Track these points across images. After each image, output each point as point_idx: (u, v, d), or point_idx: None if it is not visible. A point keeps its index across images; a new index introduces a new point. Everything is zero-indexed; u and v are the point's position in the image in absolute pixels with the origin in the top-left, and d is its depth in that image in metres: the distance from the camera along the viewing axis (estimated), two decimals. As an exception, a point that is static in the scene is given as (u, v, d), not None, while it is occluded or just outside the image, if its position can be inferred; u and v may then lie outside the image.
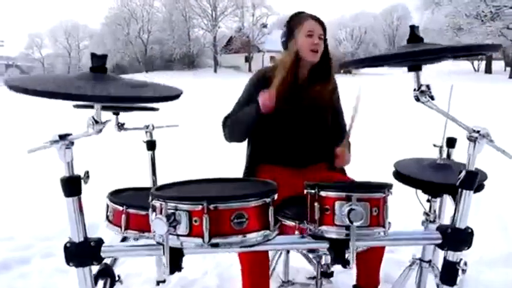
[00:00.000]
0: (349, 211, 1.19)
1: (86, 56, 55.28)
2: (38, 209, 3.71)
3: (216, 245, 1.16)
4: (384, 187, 1.28)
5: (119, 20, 48.43)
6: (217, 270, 2.66)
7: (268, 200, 1.23)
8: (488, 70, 34.15)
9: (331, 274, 2.11)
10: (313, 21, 2.03)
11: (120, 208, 1.89)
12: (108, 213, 1.99)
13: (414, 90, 1.19)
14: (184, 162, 5.29)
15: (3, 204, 3.93)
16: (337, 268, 2.58)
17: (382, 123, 8.95)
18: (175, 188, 1.37)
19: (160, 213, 1.18)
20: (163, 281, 2.46)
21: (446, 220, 1.84)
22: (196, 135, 7.53)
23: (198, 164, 5.38)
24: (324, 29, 2.07)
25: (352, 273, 2.14)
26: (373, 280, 2.08)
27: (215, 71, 46.15)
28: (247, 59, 45.68)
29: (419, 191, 1.82)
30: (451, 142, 2.03)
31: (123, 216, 1.87)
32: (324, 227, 1.26)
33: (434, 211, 1.86)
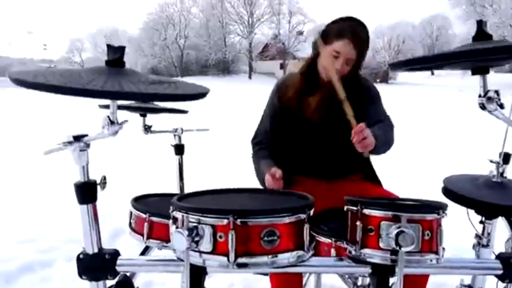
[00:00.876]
0: (398, 234, 1.02)
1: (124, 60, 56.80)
2: (62, 210, 3.66)
3: (243, 266, 1.01)
4: (439, 207, 1.10)
5: (157, 25, 49.32)
6: (244, 283, 2.53)
7: (303, 216, 1.08)
8: (532, 83, 32.93)
9: (367, 297, 1.93)
10: (347, 43, 1.76)
11: (143, 216, 1.77)
12: (131, 220, 1.89)
13: (480, 96, 1.02)
14: (213, 169, 5.18)
15: (27, 205, 3.92)
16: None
17: (426, 135, 8.59)
18: (200, 198, 1.24)
19: (182, 226, 1.05)
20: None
21: (497, 247, 1.65)
22: (227, 141, 7.40)
23: (227, 171, 5.24)
24: (360, 52, 1.80)
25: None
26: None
27: (250, 77, 46.33)
28: (282, 66, 45.61)
29: (472, 211, 1.63)
30: (506, 158, 1.83)
31: (146, 224, 1.76)
32: (367, 250, 1.10)
33: (488, 234, 1.66)
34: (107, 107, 2.00)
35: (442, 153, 6.42)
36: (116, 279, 1.42)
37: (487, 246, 1.65)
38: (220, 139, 7.14)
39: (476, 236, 1.68)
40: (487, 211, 1.59)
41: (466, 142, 7.18)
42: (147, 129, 2.15)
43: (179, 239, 1.00)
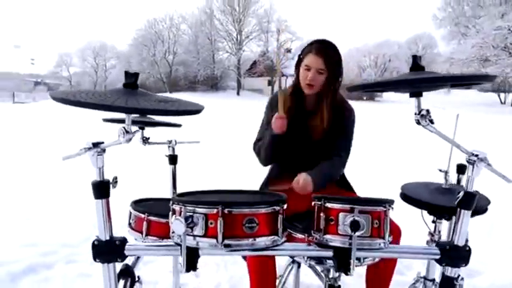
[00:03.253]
0: (352, 222, 1.30)
1: (112, 75, 56.78)
2: (62, 217, 3.90)
3: (228, 246, 1.27)
4: (385, 202, 1.38)
5: (146, 41, 49.63)
6: (231, 282, 2.77)
7: (277, 208, 1.35)
8: (515, 103, 33.76)
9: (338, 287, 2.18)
10: (313, 55, 2.08)
11: (142, 215, 2.03)
12: (131, 220, 2.14)
13: (415, 114, 1.30)
14: (203, 177, 5.46)
15: (29, 212, 4.14)
16: (346, 284, 2.67)
17: (388, 148, 9.05)
18: (194, 195, 1.50)
19: (180, 215, 1.30)
20: (179, 290, 2.57)
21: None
22: (216, 152, 7.75)
23: (216, 179, 5.54)
24: (327, 60, 2.07)
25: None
26: (382, 297, 2.15)
27: (238, 93, 46.74)
28: (270, 83, 46.11)
29: (425, 212, 1.92)
30: (460, 168, 2.11)
31: (145, 223, 2.02)
32: (328, 236, 1.37)
33: (439, 232, 1.95)
34: (110, 121, 2.27)
35: (402, 163, 6.95)
36: (120, 267, 1.67)
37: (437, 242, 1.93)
38: (209, 150, 7.46)
39: (429, 233, 1.97)
40: (437, 211, 1.88)
41: (425, 153, 7.65)
42: (145, 140, 2.40)
43: (178, 225, 1.26)
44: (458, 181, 2.11)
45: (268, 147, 2.17)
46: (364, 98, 40.65)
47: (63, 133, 11.44)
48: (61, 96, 1.08)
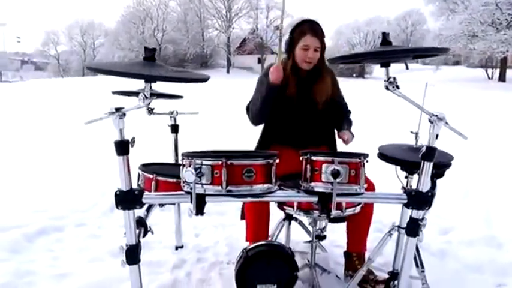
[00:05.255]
0: (332, 170, 1.58)
1: (100, 53, 56.19)
2: (71, 185, 4.17)
3: (230, 191, 1.55)
4: (361, 155, 1.66)
5: (134, 18, 49.05)
6: (227, 241, 3.05)
7: (271, 161, 1.62)
8: (502, 78, 34.11)
9: (324, 237, 2.46)
10: (310, 36, 2.36)
11: (151, 176, 2.29)
12: (140, 181, 2.40)
13: (384, 81, 1.57)
14: (202, 144, 5.74)
15: (39, 179, 4.44)
16: (332, 241, 2.98)
17: (368, 117, 9.43)
18: (201, 152, 1.77)
19: (190, 166, 1.57)
20: (181, 247, 2.86)
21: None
22: (213, 122, 8.19)
23: (214, 145, 5.85)
24: (321, 39, 2.40)
25: (344, 246, 2.54)
26: (361, 246, 2.47)
27: (228, 71, 46.66)
28: (260, 61, 46.09)
29: (398, 168, 2.20)
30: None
31: (153, 182, 2.27)
32: (313, 183, 1.65)
33: (411, 186, 2.23)
34: (119, 93, 2.51)
35: (380, 128, 7.41)
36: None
37: (410, 195, 2.22)
38: (207, 121, 7.85)
39: (402, 187, 2.26)
40: (408, 167, 2.17)
41: (399, 119, 8.04)
42: (150, 111, 2.64)
43: (189, 174, 1.53)
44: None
45: (262, 102, 2.41)
46: (354, 75, 40.97)
47: (58, 109, 11.62)
48: (95, 66, 1.33)
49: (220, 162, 1.54)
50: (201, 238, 3.14)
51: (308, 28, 2.38)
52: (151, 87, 1.48)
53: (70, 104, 13.07)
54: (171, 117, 2.78)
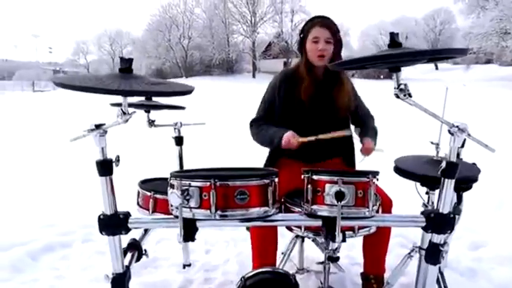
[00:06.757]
0: (336, 192, 1.38)
1: (129, 61, 57.14)
2: (79, 199, 4.06)
3: (222, 216, 1.38)
4: (369, 173, 1.46)
5: (161, 26, 49.61)
6: (238, 258, 2.87)
7: (267, 181, 1.44)
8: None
9: (337, 259, 2.27)
10: (318, 27, 2.21)
11: (149, 194, 2.16)
12: (139, 198, 2.27)
13: (394, 88, 1.37)
14: (209, 158, 5.59)
15: (47, 193, 4.34)
16: (350, 257, 2.78)
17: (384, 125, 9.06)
18: (191, 172, 1.61)
19: (176, 189, 1.41)
20: (189, 265, 2.70)
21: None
22: (222, 133, 7.93)
23: (222, 159, 5.68)
24: (333, 31, 2.22)
25: (361, 264, 2.33)
26: (379, 268, 2.25)
27: (253, 76, 46.62)
28: (286, 64, 45.87)
29: (418, 184, 1.99)
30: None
31: (151, 200, 2.14)
32: (315, 206, 1.46)
33: (432, 203, 2.01)
34: (118, 105, 2.38)
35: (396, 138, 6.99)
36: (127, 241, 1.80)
37: (431, 212, 2.00)
38: (216, 132, 7.65)
39: (423, 204, 2.04)
40: (429, 183, 1.95)
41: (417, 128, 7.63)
42: (151, 123, 2.51)
43: (174, 197, 1.37)
44: (458, 154, 2.18)
45: (265, 144, 2.28)
46: (381, 76, 40.21)
47: (79, 119, 11.71)
48: (61, 81, 1.19)
49: (209, 184, 1.37)
50: (211, 255, 2.97)
51: (317, 21, 2.25)
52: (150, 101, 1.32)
53: (88, 113, 13.15)
54: (175, 128, 2.62)
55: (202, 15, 50.64)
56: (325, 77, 2.30)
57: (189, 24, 49.87)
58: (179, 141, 2.64)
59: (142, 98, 2.42)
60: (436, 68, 45.26)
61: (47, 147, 7.43)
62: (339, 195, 1.38)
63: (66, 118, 12.67)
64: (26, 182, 4.90)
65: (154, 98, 2.44)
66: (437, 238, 1.56)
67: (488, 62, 46.98)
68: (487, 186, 3.02)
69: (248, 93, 22.12)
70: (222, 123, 8.77)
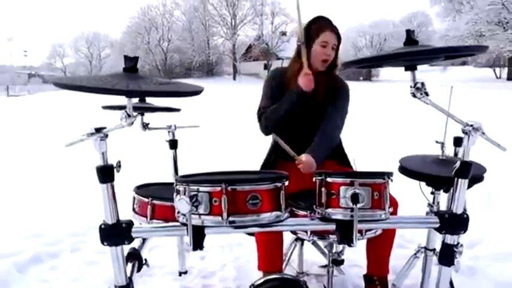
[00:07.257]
0: (352, 194, 1.33)
1: (106, 64, 56.48)
2: (66, 207, 3.92)
3: (233, 222, 1.31)
4: (384, 174, 1.41)
5: (140, 29, 49.13)
6: (235, 264, 2.80)
7: (279, 184, 1.38)
8: (510, 77, 33.63)
9: (341, 262, 2.22)
10: (329, 32, 2.17)
11: (146, 200, 2.06)
12: (135, 205, 2.16)
13: (411, 87, 1.32)
14: (204, 160, 5.49)
15: (31, 202, 4.15)
16: (349, 260, 2.73)
17: (385, 124, 9.14)
18: (198, 176, 1.53)
19: (184, 194, 1.33)
20: (185, 272, 2.61)
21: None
22: (216, 136, 7.83)
23: (217, 161, 5.58)
24: (339, 39, 2.22)
25: (363, 265, 2.27)
26: (383, 269, 2.20)
27: (234, 78, 46.54)
28: (266, 67, 45.88)
29: (423, 184, 1.95)
30: (457, 141, 2.12)
31: (149, 207, 2.04)
32: (330, 210, 1.40)
33: (438, 203, 1.98)
34: (110, 108, 2.28)
35: (399, 137, 7.08)
36: (127, 250, 1.71)
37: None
38: (209, 135, 7.53)
39: (428, 204, 2.01)
40: (435, 183, 1.91)
41: (421, 127, 7.71)
42: (145, 126, 2.42)
43: (183, 204, 1.29)
44: (455, 154, 2.14)
45: (287, 110, 2.18)
46: (361, 78, 40.64)
47: (62, 124, 11.43)
48: (64, 82, 1.10)
49: (219, 189, 1.30)
50: (207, 261, 2.88)
51: (327, 25, 2.20)
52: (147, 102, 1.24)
53: (71, 118, 12.84)
54: (168, 131, 2.53)
55: (182, 17, 50.42)
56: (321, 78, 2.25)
57: (168, 27, 49.55)
58: (173, 144, 2.55)
59: (138, 98, 2.33)
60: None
61: (27, 153, 7.17)
62: (355, 198, 1.32)
63: (44, 123, 12.35)
64: (8, 190, 4.68)
65: (153, 100, 2.35)
66: (451, 239, 1.52)
67: (464, 63, 47.90)
68: (475, 185, 3.02)
69: (230, 95, 22.08)
70: (210, 126, 8.68)
